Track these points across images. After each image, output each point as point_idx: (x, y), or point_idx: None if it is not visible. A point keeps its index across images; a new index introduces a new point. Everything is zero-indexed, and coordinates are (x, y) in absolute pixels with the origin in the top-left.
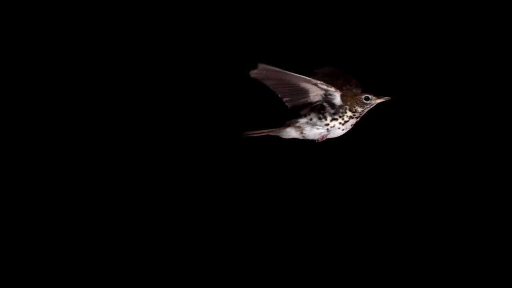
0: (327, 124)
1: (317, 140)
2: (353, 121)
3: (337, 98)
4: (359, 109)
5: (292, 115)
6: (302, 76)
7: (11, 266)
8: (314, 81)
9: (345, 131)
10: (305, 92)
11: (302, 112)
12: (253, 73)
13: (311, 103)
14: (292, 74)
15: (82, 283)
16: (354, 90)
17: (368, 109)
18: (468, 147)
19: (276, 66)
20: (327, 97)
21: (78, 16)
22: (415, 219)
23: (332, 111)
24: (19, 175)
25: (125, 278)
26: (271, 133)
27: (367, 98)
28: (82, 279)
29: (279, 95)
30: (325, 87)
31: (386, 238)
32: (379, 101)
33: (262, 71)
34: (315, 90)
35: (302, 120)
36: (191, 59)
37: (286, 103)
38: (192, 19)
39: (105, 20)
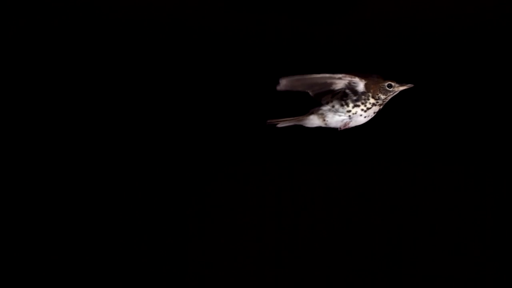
0: (349, 111)
1: (340, 128)
2: (375, 108)
3: (360, 86)
4: (382, 96)
5: (315, 104)
6: (326, 75)
7: (11, 266)
8: (338, 75)
9: (367, 118)
10: (329, 85)
11: (324, 100)
12: (279, 88)
13: (333, 91)
14: (314, 77)
15: (82, 283)
16: (376, 79)
17: (391, 96)
18: (495, 133)
19: (297, 72)
20: (350, 85)
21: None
22: (441, 209)
23: (354, 98)
24: (19, 175)
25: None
26: (294, 121)
27: (390, 86)
28: (83, 279)
29: (309, 93)
30: (348, 78)
31: (411, 228)
32: (402, 88)
33: (287, 84)
34: (340, 82)
35: (325, 108)
36: (215, 48)
37: (310, 93)
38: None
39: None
